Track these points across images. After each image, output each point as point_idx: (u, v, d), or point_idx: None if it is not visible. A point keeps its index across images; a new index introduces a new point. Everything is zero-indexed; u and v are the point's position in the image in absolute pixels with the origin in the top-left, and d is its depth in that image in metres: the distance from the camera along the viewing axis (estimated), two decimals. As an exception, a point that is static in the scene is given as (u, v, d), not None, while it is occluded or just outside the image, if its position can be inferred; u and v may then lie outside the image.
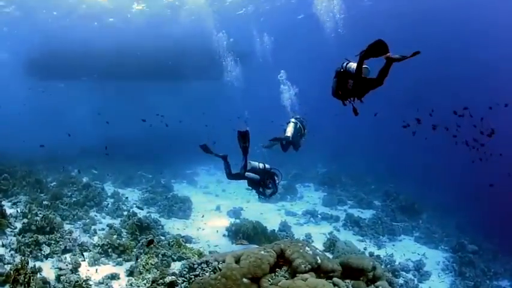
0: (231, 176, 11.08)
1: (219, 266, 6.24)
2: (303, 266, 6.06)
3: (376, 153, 27.70)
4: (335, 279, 6.16)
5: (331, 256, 10.31)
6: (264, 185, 11.21)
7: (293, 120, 11.73)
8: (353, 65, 6.41)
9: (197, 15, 27.99)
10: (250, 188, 11.49)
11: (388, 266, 11.55)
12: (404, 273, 11.57)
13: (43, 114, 38.73)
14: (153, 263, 7.55)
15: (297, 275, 6.00)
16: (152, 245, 9.47)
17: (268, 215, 15.39)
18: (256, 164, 11.04)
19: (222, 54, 29.52)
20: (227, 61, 30.35)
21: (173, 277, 6.09)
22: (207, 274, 6.32)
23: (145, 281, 6.74)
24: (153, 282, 6.16)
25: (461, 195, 19.89)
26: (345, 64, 6.54)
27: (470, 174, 22.90)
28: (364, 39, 5.83)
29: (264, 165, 11.17)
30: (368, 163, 25.33)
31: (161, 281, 5.98)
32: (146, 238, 10.03)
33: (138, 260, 8.07)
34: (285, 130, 11.76)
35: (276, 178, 11.21)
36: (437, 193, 20.59)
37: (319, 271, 6.24)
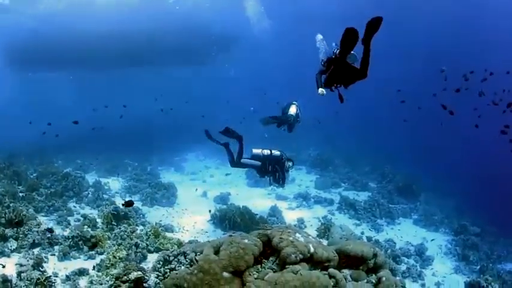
0: (234, 164, 10.98)
1: (196, 258, 5.37)
2: (293, 255, 5.18)
3: (369, 134, 26.89)
4: (331, 269, 5.30)
5: (325, 243, 9.49)
6: (266, 171, 11.05)
7: (295, 102, 11.76)
8: None
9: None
10: (262, 176, 11.34)
11: (389, 251, 10.76)
12: (405, 258, 10.81)
13: (25, 106, 37.35)
14: (121, 256, 6.64)
15: (287, 266, 5.13)
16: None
17: (258, 199, 14.49)
18: (258, 151, 10.98)
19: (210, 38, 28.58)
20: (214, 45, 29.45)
21: (139, 273, 5.21)
22: (183, 267, 5.47)
23: (108, 277, 5.85)
24: (116, 278, 5.28)
25: (458, 176, 19.16)
26: (336, 50, 6.22)
27: (468, 154, 22.22)
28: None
29: (271, 152, 11.06)
30: (361, 144, 24.55)
31: (125, 277, 5.11)
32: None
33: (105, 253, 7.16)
34: (282, 108, 11.86)
35: (286, 164, 11.18)
36: (433, 174, 19.81)
37: (313, 261, 5.37)
